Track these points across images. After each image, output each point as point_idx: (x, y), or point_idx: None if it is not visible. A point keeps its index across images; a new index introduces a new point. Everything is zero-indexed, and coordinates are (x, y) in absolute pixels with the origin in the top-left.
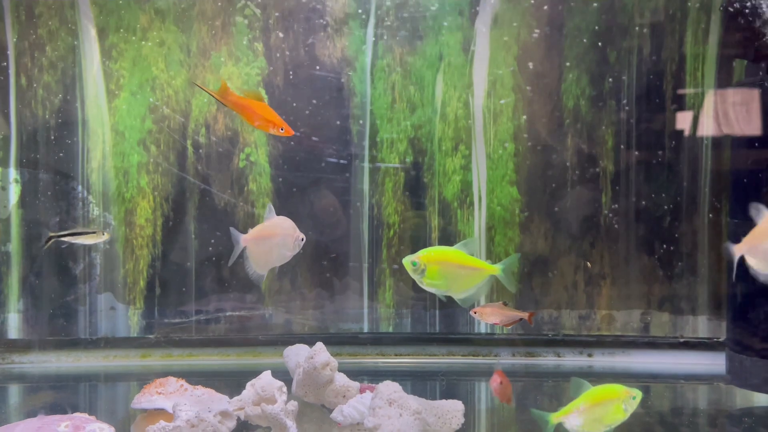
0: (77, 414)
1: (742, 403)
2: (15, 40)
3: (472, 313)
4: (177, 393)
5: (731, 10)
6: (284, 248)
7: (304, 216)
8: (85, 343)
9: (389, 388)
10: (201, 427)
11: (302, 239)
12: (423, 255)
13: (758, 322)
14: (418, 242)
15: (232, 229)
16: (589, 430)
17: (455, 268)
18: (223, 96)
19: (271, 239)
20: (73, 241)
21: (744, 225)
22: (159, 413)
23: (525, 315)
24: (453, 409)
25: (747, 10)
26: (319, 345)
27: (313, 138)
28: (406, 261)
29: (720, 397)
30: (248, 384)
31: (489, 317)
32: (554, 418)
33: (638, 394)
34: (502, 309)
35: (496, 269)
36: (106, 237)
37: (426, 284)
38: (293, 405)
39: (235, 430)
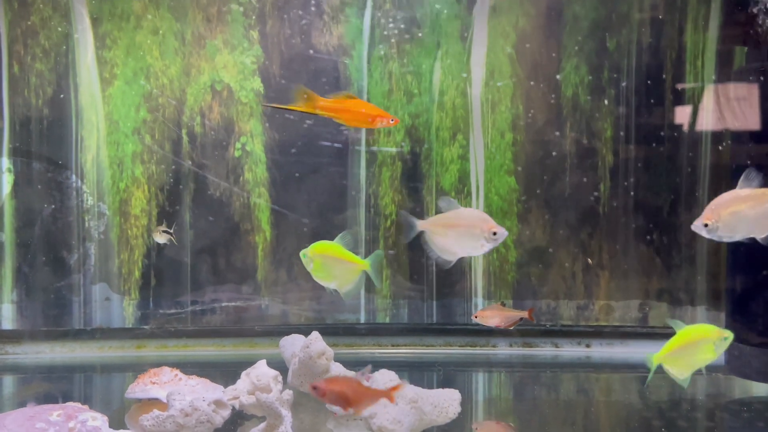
0: (70, 403)
1: (741, 393)
2: (7, 27)
3: (473, 317)
4: (171, 383)
5: None
6: (470, 239)
7: (301, 205)
8: (80, 333)
9: (385, 377)
10: (195, 416)
11: (494, 233)
12: (311, 247)
13: (757, 312)
14: None
15: (404, 212)
16: (683, 369)
17: (332, 261)
18: (312, 105)
19: (453, 229)
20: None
21: None
22: (153, 403)
23: (525, 314)
24: (449, 398)
25: None
26: (315, 334)
27: (307, 120)
28: (301, 252)
29: (719, 387)
30: (243, 373)
31: (490, 320)
32: (656, 358)
33: (730, 335)
34: (501, 310)
35: (366, 264)
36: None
37: (315, 277)
38: (288, 394)
39: (229, 420)
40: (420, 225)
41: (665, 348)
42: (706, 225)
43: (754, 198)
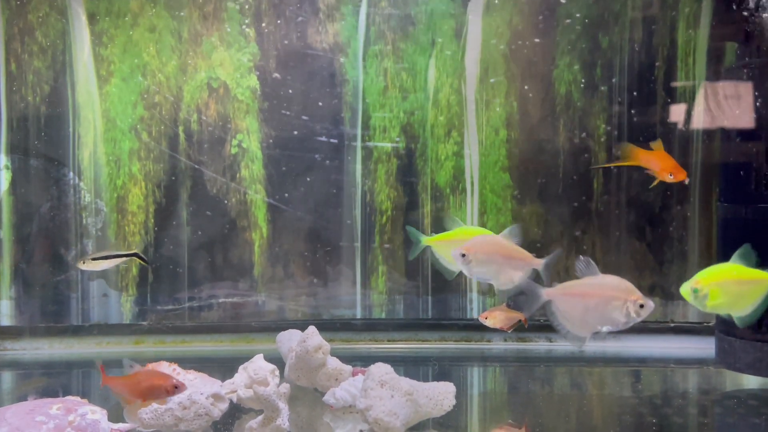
0: (69, 397)
1: (731, 386)
2: (5, 24)
3: (482, 319)
4: None
5: None
6: (608, 311)
7: (298, 202)
8: (78, 329)
9: (381, 369)
10: (193, 409)
11: (641, 305)
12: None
13: None
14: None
15: (529, 281)
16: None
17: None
18: (635, 157)
19: (586, 299)
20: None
21: (733, 208)
22: None
23: (522, 317)
24: (444, 390)
25: None
26: (312, 329)
27: (304, 117)
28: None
29: (709, 380)
30: (240, 367)
31: (498, 322)
32: None
33: None
34: (507, 311)
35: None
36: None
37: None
38: (285, 387)
39: (227, 413)
40: (546, 294)
41: None
42: (463, 255)
43: (503, 249)
